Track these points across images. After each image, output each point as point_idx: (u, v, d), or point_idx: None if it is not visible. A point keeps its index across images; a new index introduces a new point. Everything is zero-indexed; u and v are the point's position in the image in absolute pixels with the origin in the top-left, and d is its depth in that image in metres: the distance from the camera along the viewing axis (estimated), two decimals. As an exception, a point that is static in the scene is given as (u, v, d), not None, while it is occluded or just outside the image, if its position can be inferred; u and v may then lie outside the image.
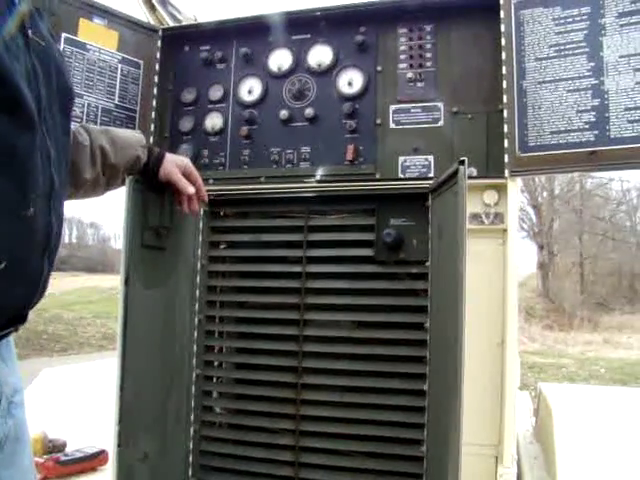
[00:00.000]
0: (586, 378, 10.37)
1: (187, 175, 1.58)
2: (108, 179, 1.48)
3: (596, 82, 1.62)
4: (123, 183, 1.54)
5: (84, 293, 22.68)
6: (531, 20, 1.71)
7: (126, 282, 1.58)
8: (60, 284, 22.55)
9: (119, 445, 1.57)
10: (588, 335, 16.39)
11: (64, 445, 2.32)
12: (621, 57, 1.60)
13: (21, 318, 1.07)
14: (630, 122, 1.57)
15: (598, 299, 20.42)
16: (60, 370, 3.45)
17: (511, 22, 1.73)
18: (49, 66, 1.09)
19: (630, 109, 1.58)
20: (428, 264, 1.76)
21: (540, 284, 22.16)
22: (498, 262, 1.73)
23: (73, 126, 1.39)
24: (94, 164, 1.41)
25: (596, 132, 1.61)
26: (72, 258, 32.21)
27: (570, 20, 1.67)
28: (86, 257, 34.02)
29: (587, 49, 1.64)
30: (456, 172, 1.41)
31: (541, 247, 21.93)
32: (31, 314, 1.11)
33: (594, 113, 1.62)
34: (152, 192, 1.64)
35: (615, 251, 22.03)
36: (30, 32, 1.03)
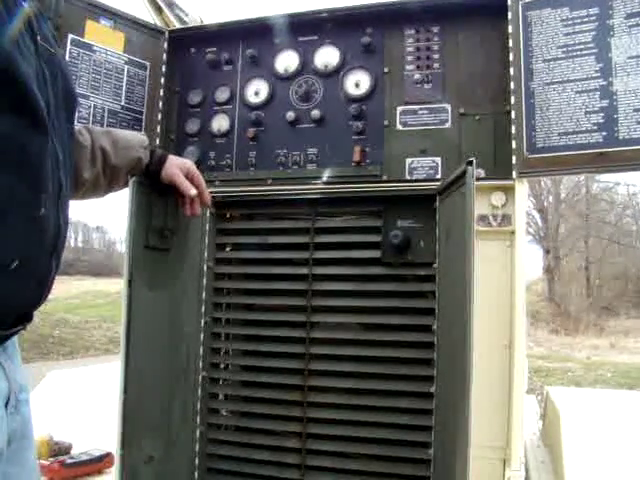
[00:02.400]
0: (592, 382, 10.32)
1: (190, 177, 1.58)
2: (110, 180, 1.48)
3: (604, 83, 1.61)
4: (126, 185, 1.54)
5: (90, 297, 22.73)
6: (539, 21, 1.71)
7: (129, 283, 1.58)
8: (66, 288, 22.60)
9: (123, 447, 1.56)
10: (594, 339, 16.33)
11: (70, 448, 2.32)
12: (630, 58, 1.59)
13: (28, 317, 1.09)
14: (639, 123, 1.56)
15: (604, 303, 20.33)
16: (66, 373, 3.45)
17: (519, 23, 1.72)
18: (55, 72, 1.11)
19: (639, 110, 1.57)
20: (435, 266, 1.75)
21: (546, 288, 22.09)
22: (506, 264, 1.72)
23: (75, 127, 1.40)
24: (94, 164, 1.42)
25: (604, 133, 1.60)
26: (78, 262, 32.27)
27: (578, 21, 1.66)
28: (92, 261, 34.04)
29: (595, 50, 1.63)
30: (464, 173, 1.40)
31: (547, 251, 21.86)
32: (37, 318, 1.12)
33: (602, 114, 1.61)
34: (156, 193, 1.63)
35: (621, 255, 21.95)
36: (39, 38, 1.06)
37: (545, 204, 22.09)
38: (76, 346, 14.29)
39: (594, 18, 1.64)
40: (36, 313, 1.11)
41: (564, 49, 1.67)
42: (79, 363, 10.71)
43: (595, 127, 1.61)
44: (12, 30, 0.94)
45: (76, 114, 1.26)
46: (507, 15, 1.74)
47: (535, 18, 1.71)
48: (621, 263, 21.65)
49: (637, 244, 22.17)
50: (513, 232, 1.72)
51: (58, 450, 2.28)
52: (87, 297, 22.77)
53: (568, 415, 2.24)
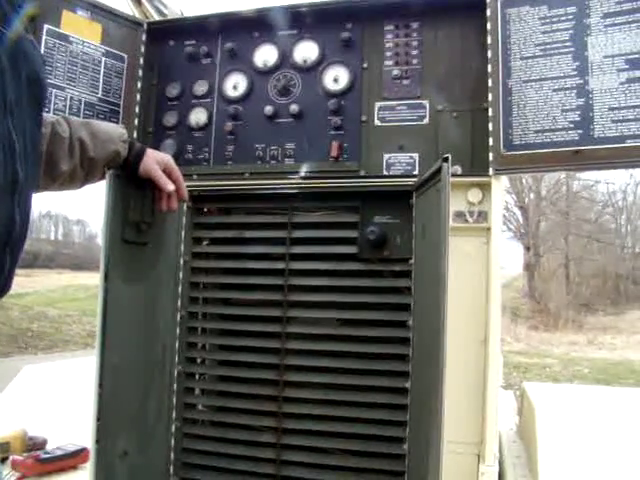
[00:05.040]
0: (570, 378, 10.43)
1: (168, 172, 1.57)
2: (87, 172, 1.47)
3: (581, 82, 1.63)
4: (103, 177, 1.53)
5: (70, 291, 22.51)
6: (517, 19, 1.71)
7: (106, 277, 1.57)
8: (45, 281, 22.42)
9: (97, 442, 1.55)
10: (573, 336, 16.50)
11: (44, 443, 2.29)
12: (605, 57, 1.61)
13: None
14: (614, 122, 1.58)
15: (583, 300, 20.56)
16: (41, 367, 3.41)
17: (497, 20, 1.73)
18: (17, 57, 1.06)
19: (614, 109, 1.58)
20: (412, 262, 1.76)
21: (526, 285, 22.27)
22: (482, 260, 1.73)
23: (53, 117, 1.38)
24: (72, 156, 1.40)
25: (580, 131, 1.61)
26: (58, 255, 32.04)
27: (556, 19, 1.67)
28: (72, 254, 33.80)
29: (572, 49, 1.65)
30: (439, 169, 1.41)
31: (527, 248, 22.03)
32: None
33: (579, 112, 1.62)
34: (133, 187, 1.62)
35: (600, 253, 22.21)
36: None
37: (526, 201, 22.26)
38: (55, 340, 14.17)
39: (571, 17, 1.65)
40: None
41: (542, 47, 1.68)
42: (57, 357, 10.63)
43: (571, 125, 1.63)
44: None
45: (45, 101, 1.22)
46: (486, 12, 1.74)
47: (514, 15, 1.72)
48: (600, 260, 21.89)
49: (616, 242, 22.41)
50: (489, 229, 1.73)
51: (32, 445, 2.25)
52: (67, 290, 22.55)
53: (543, 410, 2.25)
